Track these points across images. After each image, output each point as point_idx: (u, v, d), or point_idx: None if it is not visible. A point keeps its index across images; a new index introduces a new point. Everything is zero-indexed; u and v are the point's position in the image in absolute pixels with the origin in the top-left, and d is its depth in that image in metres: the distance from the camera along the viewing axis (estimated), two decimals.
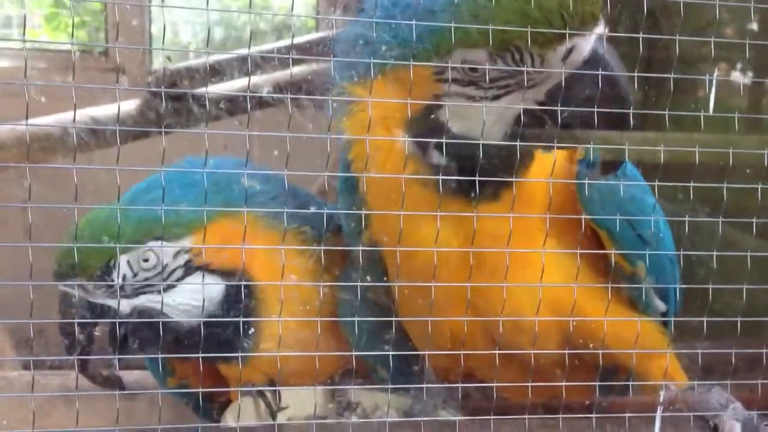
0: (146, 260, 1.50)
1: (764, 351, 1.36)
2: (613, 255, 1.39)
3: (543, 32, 1.22)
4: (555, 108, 1.27)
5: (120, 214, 1.36)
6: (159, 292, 1.49)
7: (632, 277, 1.44)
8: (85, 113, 2.40)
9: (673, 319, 1.51)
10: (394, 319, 1.41)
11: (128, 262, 1.50)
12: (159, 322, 1.43)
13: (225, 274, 1.52)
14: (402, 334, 1.49)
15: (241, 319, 1.51)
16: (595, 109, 1.24)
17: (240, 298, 1.47)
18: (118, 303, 1.49)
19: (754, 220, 1.29)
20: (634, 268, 1.43)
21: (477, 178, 1.29)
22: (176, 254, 1.51)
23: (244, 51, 2.36)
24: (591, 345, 1.39)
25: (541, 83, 1.28)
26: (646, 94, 1.45)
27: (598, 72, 1.24)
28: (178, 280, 1.52)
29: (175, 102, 2.36)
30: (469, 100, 1.30)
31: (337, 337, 1.53)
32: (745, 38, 1.44)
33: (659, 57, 1.31)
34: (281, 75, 2.40)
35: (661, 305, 1.51)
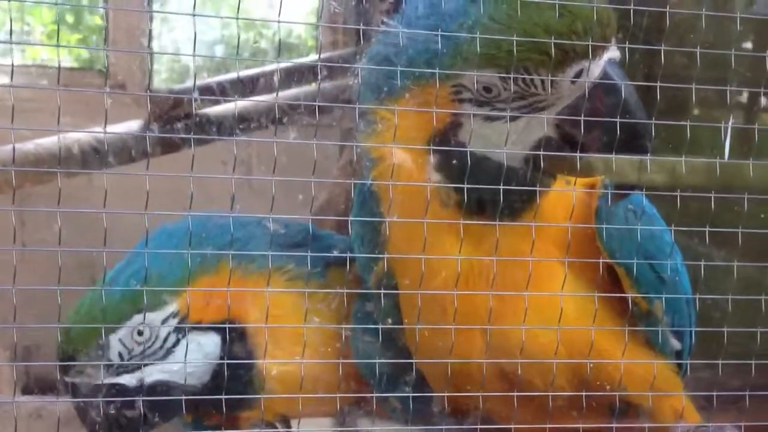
0: (140, 333, 1.52)
1: None
2: (631, 295, 1.42)
3: (550, 56, 1.25)
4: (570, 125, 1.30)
5: (103, 296, 1.40)
6: (159, 361, 1.53)
7: (648, 316, 1.46)
8: (89, 134, 2.40)
9: (688, 361, 1.52)
10: (407, 361, 1.44)
11: (120, 340, 1.52)
12: (166, 391, 1.50)
13: (218, 328, 1.52)
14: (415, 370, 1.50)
15: (227, 362, 1.52)
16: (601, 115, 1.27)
17: (236, 348, 1.51)
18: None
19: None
20: (651, 307, 1.44)
21: (500, 187, 1.32)
22: (165, 320, 1.53)
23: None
24: (608, 386, 1.40)
25: (551, 106, 1.31)
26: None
27: (613, 82, 1.27)
28: (174, 345, 1.53)
29: (178, 122, 2.37)
30: (486, 120, 1.33)
31: (350, 371, 1.53)
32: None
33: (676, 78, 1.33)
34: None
35: (676, 344, 1.52)
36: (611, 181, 1.37)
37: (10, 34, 1.17)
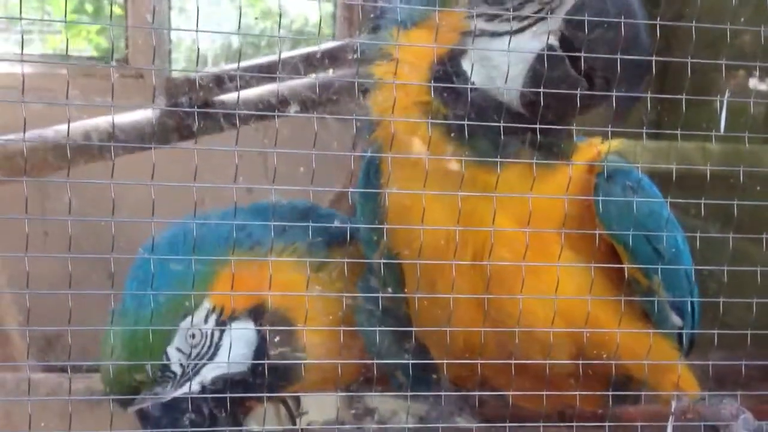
0: (193, 336, 1.58)
1: None
2: (627, 268, 1.44)
3: None
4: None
5: (139, 320, 1.46)
6: (210, 359, 1.58)
7: (648, 291, 1.48)
8: (106, 121, 2.45)
9: (684, 331, 1.54)
10: (410, 329, 1.48)
11: (177, 349, 1.57)
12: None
13: (253, 313, 1.58)
14: (418, 341, 1.53)
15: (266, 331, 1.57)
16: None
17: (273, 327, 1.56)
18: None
19: (764, 236, 1.31)
20: (650, 282, 1.46)
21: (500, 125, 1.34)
22: (206, 318, 1.57)
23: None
24: (604, 356, 1.41)
25: (558, 7, 1.34)
26: (661, 102, 1.48)
27: None
28: (219, 339, 1.59)
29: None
30: (493, 38, 1.36)
31: (358, 345, 1.57)
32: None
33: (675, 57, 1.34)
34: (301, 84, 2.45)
35: (677, 320, 1.54)
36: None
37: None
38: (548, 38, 1.34)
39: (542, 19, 1.35)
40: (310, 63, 2.62)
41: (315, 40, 3.46)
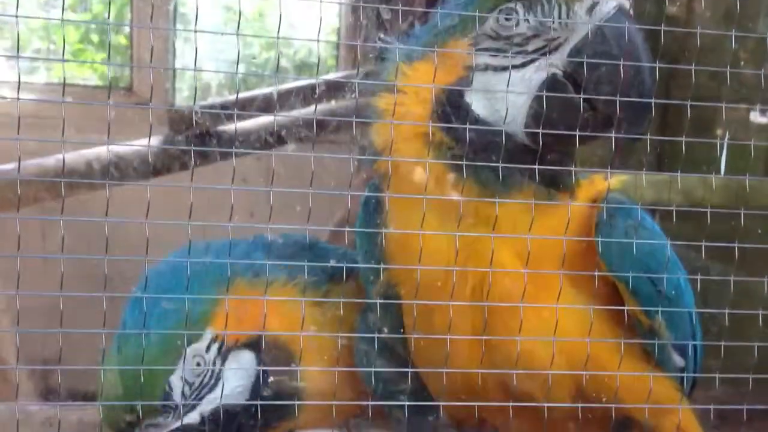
0: (198, 365, 1.55)
1: None
2: (629, 308, 1.42)
3: None
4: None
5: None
6: (211, 389, 1.55)
7: (650, 331, 1.45)
8: (109, 149, 2.45)
9: (685, 375, 1.52)
10: (407, 369, 1.44)
11: (182, 378, 1.55)
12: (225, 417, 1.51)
13: (252, 344, 1.56)
14: (418, 377, 1.51)
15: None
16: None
17: (271, 359, 1.53)
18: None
19: (766, 279, 1.30)
20: (652, 322, 1.45)
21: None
22: (208, 348, 1.56)
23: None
24: (604, 398, 1.40)
25: (565, 42, 1.36)
26: (663, 133, 1.48)
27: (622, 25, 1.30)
28: (220, 370, 1.56)
29: (197, 139, 2.42)
30: (497, 72, 1.37)
31: (356, 382, 1.55)
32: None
33: (677, 96, 1.35)
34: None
35: (679, 361, 1.52)
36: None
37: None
38: (546, 70, 1.35)
39: (546, 54, 1.37)
40: (312, 94, 2.64)
41: (319, 70, 3.49)
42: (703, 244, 1.30)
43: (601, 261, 1.40)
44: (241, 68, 3.87)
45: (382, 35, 1.48)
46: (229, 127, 2.57)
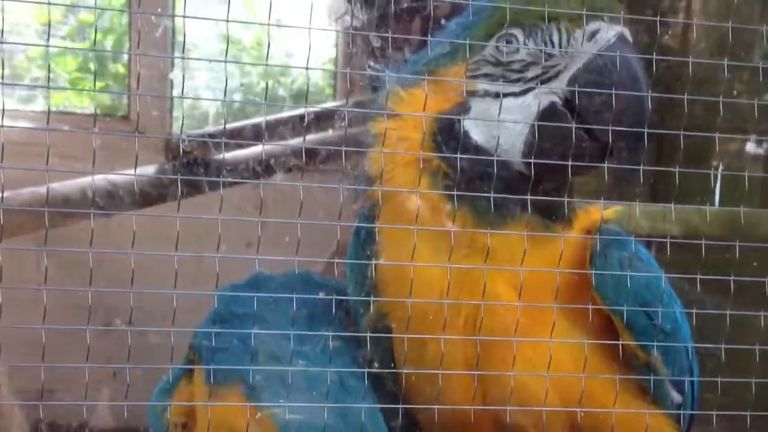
0: None
1: None
2: (625, 342, 1.41)
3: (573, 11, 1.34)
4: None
5: None
6: None
7: (647, 365, 1.44)
8: (104, 178, 2.45)
9: (682, 412, 1.50)
10: (397, 406, 1.41)
11: None
12: None
13: None
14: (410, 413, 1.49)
15: None
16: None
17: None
18: None
19: (762, 313, 1.29)
20: (649, 357, 1.43)
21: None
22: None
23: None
24: None
25: (565, 69, 1.36)
26: (659, 164, 1.47)
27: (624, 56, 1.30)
28: None
29: (188, 168, 2.42)
30: (495, 99, 1.37)
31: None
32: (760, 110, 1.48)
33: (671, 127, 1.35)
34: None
35: (676, 397, 1.49)
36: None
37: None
38: (545, 98, 1.35)
39: (546, 81, 1.37)
40: (301, 123, 2.64)
41: (316, 98, 3.50)
42: (698, 276, 1.28)
43: (596, 293, 1.38)
44: (238, 97, 3.89)
45: (372, 63, 1.48)
46: (229, 154, 2.57)
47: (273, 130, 2.67)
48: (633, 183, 1.39)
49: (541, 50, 1.36)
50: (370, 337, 1.40)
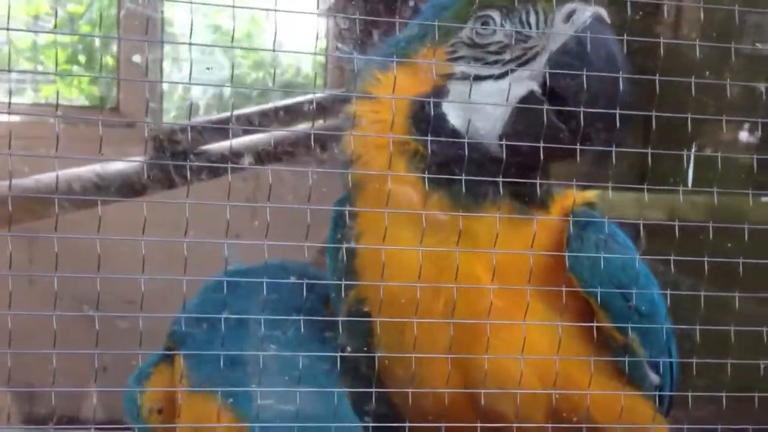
0: None
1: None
2: (600, 324, 1.41)
3: None
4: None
5: None
6: None
7: (625, 347, 1.43)
8: (91, 169, 2.46)
9: (657, 393, 1.50)
10: (370, 389, 1.40)
11: None
12: None
13: None
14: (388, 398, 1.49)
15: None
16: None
17: None
18: None
19: (737, 294, 1.29)
20: (626, 339, 1.43)
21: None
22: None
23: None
24: (575, 418, 1.38)
25: (542, 51, 1.35)
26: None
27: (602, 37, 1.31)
28: None
29: (176, 158, 2.42)
30: (475, 82, 1.37)
31: None
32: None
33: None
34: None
35: (654, 378, 1.50)
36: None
37: None
38: (523, 83, 1.35)
39: (524, 64, 1.36)
40: (299, 113, 2.64)
41: (307, 88, 3.49)
42: (672, 258, 1.28)
43: (572, 276, 1.38)
44: (229, 88, 3.88)
45: (339, 44, 1.48)
46: (212, 146, 2.57)
47: (261, 121, 2.67)
48: (608, 166, 1.38)
49: (518, 32, 1.36)
50: (348, 323, 1.41)
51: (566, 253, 1.37)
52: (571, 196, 1.47)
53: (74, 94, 3.32)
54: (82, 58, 3.48)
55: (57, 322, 1.23)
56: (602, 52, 1.31)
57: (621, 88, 1.31)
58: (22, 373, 1.38)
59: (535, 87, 1.36)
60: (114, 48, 3.21)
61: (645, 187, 1.31)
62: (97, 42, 3.36)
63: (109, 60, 3.25)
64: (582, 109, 1.29)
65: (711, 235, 1.27)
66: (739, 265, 1.31)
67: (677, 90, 1.37)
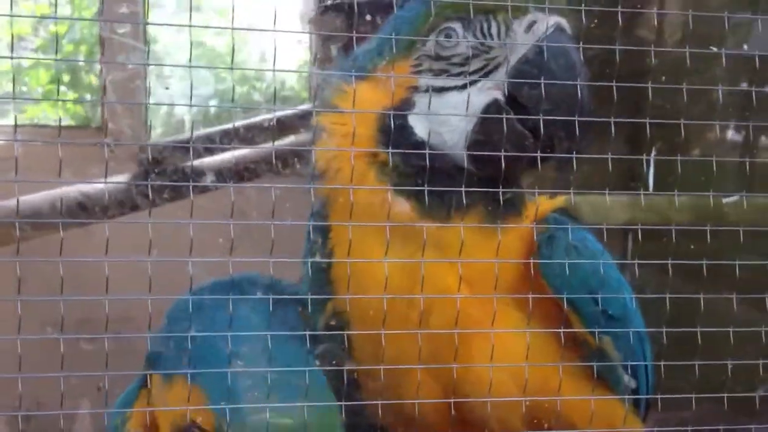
0: None
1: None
2: (570, 330, 1.42)
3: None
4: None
5: None
6: None
7: (598, 351, 1.45)
8: (76, 188, 2.47)
9: (626, 397, 1.50)
10: (342, 403, 1.42)
11: None
12: None
13: None
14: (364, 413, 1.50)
15: None
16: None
17: None
18: None
19: (701, 296, 1.31)
20: (600, 343, 1.44)
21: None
22: None
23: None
24: (546, 424, 1.39)
25: (504, 61, 1.38)
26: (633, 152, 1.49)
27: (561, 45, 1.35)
28: None
29: (161, 176, 2.43)
30: (439, 93, 1.39)
31: None
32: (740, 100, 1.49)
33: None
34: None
35: (630, 382, 1.51)
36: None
37: None
38: (487, 94, 1.38)
39: (487, 74, 1.39)
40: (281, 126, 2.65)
41: (292, 102, 3.51)
42: (636, 262, 1.30)
43: (545, 283, 1.40)
44: (214, 103, 3.88)
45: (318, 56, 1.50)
46: (197, 162, 2.58)
47: (246, 135, 2.68)
48: (601, 174, 1.40)
49: (480, 43, 1.38)
50: (326, 335, 1.42)
51: (532, 260, 1.39)
52: (548, 203, 1.49)
53: (60, 114, 3.34)
54: (65, 78, 3.50)
55: (50, 344, 1.25)
56: (562, 61, 1.34)
57: (580, 95, 1.33)
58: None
59: (499, 96, 1.38)
60: (97, 68, 3.23)
61: (606, 192, 1.32)
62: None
63: (92, 79, 3.28)
64: (541, 117, 1.33)
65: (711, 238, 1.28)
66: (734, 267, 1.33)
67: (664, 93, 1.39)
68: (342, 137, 1.41)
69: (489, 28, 1.39)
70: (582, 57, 1.35)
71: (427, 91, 1.40)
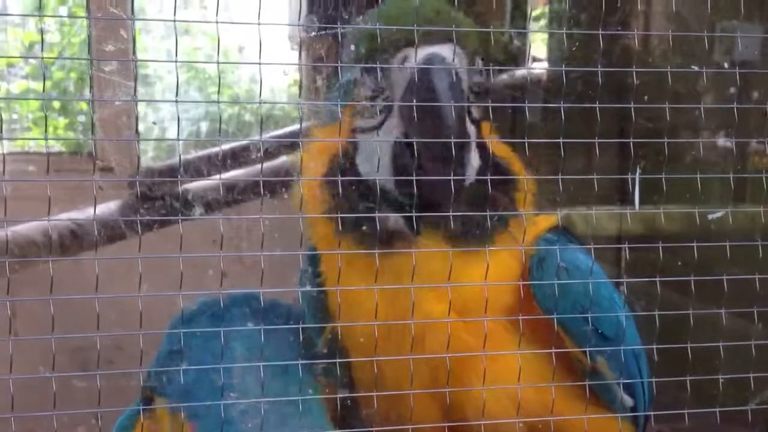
0: None
1: None
2: (561, 350, 1.44)
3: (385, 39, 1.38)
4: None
5: None
6: None
7: (594, 372, 1.47)
8: (66, 215, 2.47)
9: (621, 415, 1.53)
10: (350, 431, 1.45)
11: None
12: None
13: None
14: None
15: None
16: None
17: None
18: None
19: (691, 311, 1.33)
20: (594, 363, 1.46)
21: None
22: None
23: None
24: None
25: (394, 99, 1.42)
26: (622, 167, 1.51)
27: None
28: None
29: (151, 202, 2.44)
30: (365, 133, 1.45)
31: None
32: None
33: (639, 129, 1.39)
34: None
35: (627, 400, 1.53)
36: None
37: None
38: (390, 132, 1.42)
39: (389, 113, 1.42)
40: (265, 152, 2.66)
41: (283, 123, 3.53)
42: (625, 280, 1.32)
43: (538, 305, 1.41)
44: (205, 125, 3.89)
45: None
46: (194, 185, 2.59)
47: (242, 158, 2.69)
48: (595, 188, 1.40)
49: (376, 84, 1.42)
50: (325, 357, 1.45)
51: (519, 282, 1.40)
52: (540, 223, 1.50)
53: (51, 142, 3.36)
54: (56, 104, 3.52)
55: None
56: (440, 87, 1.34)
57: (455, 115, 1.34)
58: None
59: (398, 132, 1.41)
60: (87, 93, 3.24)
61: (594, 210, 1.34)
62: (72, 87, 3.41)
63: (83, 105, 3.29)
64: (422, 139, 1.35)
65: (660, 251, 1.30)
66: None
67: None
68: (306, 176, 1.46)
69: (379, 71, 1.41)
70: (460, 77, 1.38)
71: (361, 132, 1.45)
